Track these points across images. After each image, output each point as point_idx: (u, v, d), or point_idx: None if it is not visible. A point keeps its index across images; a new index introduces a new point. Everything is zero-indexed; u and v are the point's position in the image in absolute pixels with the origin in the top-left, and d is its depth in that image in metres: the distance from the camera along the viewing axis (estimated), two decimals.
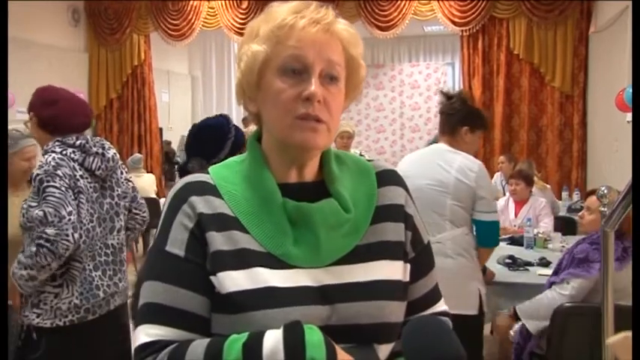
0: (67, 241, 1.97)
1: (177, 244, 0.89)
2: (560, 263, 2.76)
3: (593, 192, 2.87)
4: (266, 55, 0.90)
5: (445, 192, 2.54)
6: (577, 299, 2.55)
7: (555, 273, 2.76)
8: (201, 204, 0.90)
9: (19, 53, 5.93)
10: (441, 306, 1.06)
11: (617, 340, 0.70)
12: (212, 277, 0.88)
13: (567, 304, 2.52)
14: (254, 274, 0.87)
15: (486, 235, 2.59)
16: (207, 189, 0.93)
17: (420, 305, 1.01)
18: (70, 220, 1.99)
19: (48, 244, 1.96)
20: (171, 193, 0.95)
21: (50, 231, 1.97)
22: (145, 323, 0.88)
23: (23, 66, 6.03)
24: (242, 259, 0.88)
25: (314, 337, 0.80)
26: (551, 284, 2.70)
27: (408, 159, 2.79)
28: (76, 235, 2.00)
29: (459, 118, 2.68)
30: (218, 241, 0.89)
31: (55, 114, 2.17)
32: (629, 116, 4.69)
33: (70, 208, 2.01)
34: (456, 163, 2.57)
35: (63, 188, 2.03)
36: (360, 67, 0.96)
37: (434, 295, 1.04)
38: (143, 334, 0.87)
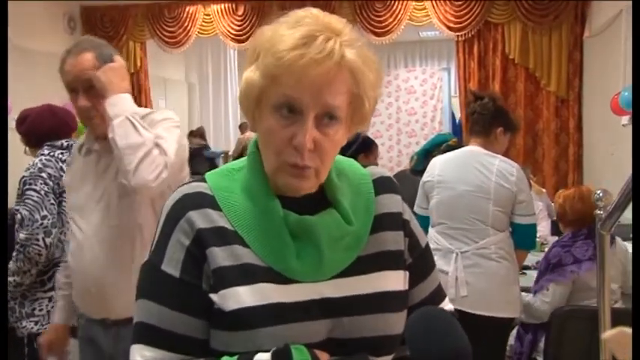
0: (38, 245, 1.99)
1: (172, 264, 0.88)
2: (540, 269, 2.82)
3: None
4: (261, 89, 0.85)
5: (487, 198, 2.46)
6: (558, 303, 2.61)
7: (537, 280, 2.81)
8: (200, 219, 0.88)
9: (15, 60, 5.91)
10: (445, 306, 1.05)
11: (612, 335, 0.70)
12: (212, 295, 0.86)
13: (565, 308, 2.52)
14: (257, 291, 0.86)
15: (525, 237, 2.55)
16: (205, 201, 0.90)
17: None
18: (42, 224, 2.01)
19: (22, 250, 1.99)
20: (168, 204, 0.92)
21: (22, 235, 2.00)
22: (140, 344, 0.87)
23: (19, 73, 6.02)
24: (245, 275, 0.86)
25: None
26: (535, 292, 2.75)
27: (440, 162, 2.67)
28: (48, 240, 2.01)
29: (493, 119, 2.60)
30: (220, 256, 0.87)
31: (28, 129, 2.27)
32: (624, 120, 4.71)
33: (44, 212, 2.03)
34: (495, 167, 2.50)
35: (42, 192, 2.06)
36: (366, 101, 0.88)
37: (436, 297, 1.03)
38: (138, 356, 0.87)
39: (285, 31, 0.83)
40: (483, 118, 2.60)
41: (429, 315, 0.89)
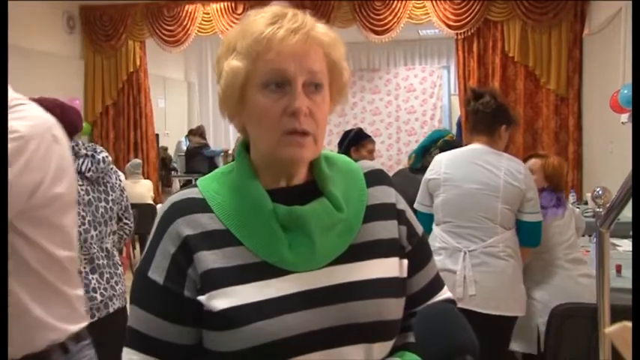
0: None
1: (158, 271, 0.90)
2: None
3: (532, 156, 3.15)
4: (246, 71, 0.88)
5: (496, 196, 2.45)
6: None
7: None
8: (187, 226, 0.90)
9: (15, 60, 5.91)
10: (444, 294, 1.06)
11: (615, 329, 0.70)
12: (201, 297, 0.88)
13: (564, 306, 2.52)
14: (249, 288, 0.87)
15: (531, 235, 2.55)
16: (195, 206, 0.92)
17: (422, 296, 1.01)
18: None
19: None
20: (158, 213, 0.95)
21: None
22: (129, 347, 0.92)
23: (18, 73, 6.02)
24: (236, 275, 0.88)
25: None
26: None
27: (445, 160, 2.62)
28: None
29: (496, 117, 2.56)
30: (209, 259, 0.88)
31: None
32: (623, 117, 4.71)
33: None
34: (503, 165, 2.49)
35: None
36: (344, 71, 0.95)
37: (435, 285, 1.04)
38: (127, 359, 0.91)
39: (254, 17, 0.90)
40: (487, 117, 2.57)
41: (435, 311, 0.90)
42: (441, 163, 2.62)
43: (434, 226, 2.61)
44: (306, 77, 0.88)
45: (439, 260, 2.40)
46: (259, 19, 0.89)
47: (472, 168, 2.52)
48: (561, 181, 2.96)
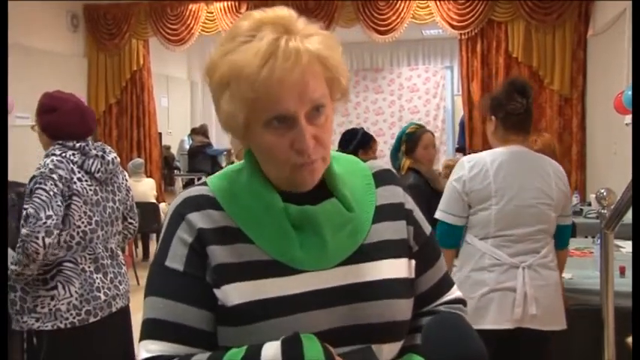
0: (36, 243, 1.98)
1: (176, 259, 0.90)
2: None
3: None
4: (245, 116, 0.85)
5: (550, 205, 2.27)
6: None
7: None
8: (201, 219, 0.90)
9: (18, 59, 5.93)
10: (454, 293, 1.05)
11: None
12: (216, 291, 0.87)
13: (570, 307, 2.51)
14: (261, 285, 0.87)
15: (567, 237, 2.43)
16: (207, 202, 0.92)
17: (431, 296, 1.01)
18: (45, 223, 2.00)
19: (22, 244, 1.99)
20: (170, 208, 0.95)
21: (24, 231, 2.00)
22: (146, 339, 0.88)
23: (22, 71, 6.03)
24: (247, 271, 0.88)
25: (313, 351, 0.79)
26: None
27: (490, 167, 2.28)
28: (48, 240, 2.00)
29: (532, 114, 2.38)
30: (221, 254, 0.89)
31: (52, 122, 2.22)
32: (627, 119, 4.70)
33: (50, 212, 2.02)
34: (550, 169, 2.30)
35: (51, 192, 2.05)
36: (342, 77, 0.90)
37: (444, 285, 1.04)
38: (144, 350, 0.88)
39: (246, 50, 0.83)
40: (529, 116, 2.36)
41: (445, 319, 0.89)
42: (487, 169, 2.28)
43: (476, 240, 2.31)
44: (308, 107, 0.85)
45: (491, 278, 2.23)
46: (252, 56, 0.81)
47: (528, 175, 2.29)
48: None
